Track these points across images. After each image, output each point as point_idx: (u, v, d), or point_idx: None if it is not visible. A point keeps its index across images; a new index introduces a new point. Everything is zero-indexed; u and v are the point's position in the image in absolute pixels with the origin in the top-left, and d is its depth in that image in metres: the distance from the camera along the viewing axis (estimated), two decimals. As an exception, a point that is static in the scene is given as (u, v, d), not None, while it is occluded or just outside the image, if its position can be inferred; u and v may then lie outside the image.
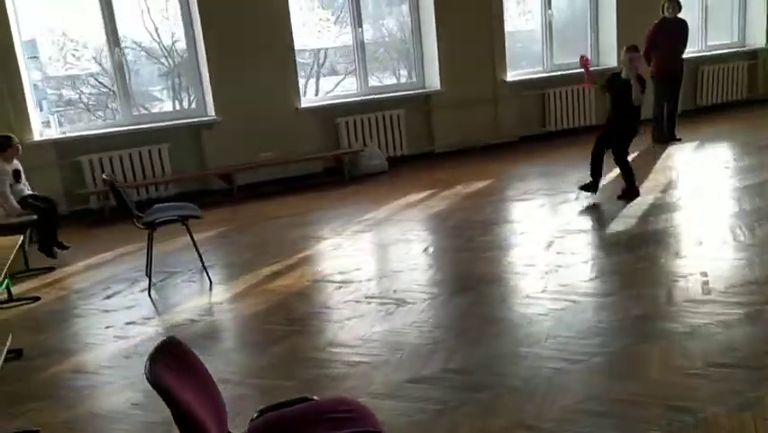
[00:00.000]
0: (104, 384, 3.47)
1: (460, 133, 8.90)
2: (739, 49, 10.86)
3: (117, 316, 4.37)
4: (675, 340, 3.38)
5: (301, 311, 4.21)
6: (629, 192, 6.09)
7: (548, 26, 9.59)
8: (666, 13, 8.21)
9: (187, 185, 7.63)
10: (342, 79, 9.18)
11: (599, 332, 3.56)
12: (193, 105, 8.00)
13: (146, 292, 4.72)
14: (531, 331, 3.64)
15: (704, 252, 4.63)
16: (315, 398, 2.16)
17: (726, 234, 4.93)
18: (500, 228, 5.67)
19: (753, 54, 10.79)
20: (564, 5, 9.97)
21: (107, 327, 4.19)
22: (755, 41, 10.83)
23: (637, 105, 5.85)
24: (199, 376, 1.89)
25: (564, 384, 3.06)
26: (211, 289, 4.74)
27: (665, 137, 8.47)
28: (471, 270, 4.72)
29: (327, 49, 9.09)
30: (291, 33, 7.98)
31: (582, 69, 6.41)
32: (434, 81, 8.87)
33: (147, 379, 1.68)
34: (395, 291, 4.39)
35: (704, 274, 4.19)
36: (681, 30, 8.30)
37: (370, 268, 4.92)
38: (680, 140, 8.44)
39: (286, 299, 4.46)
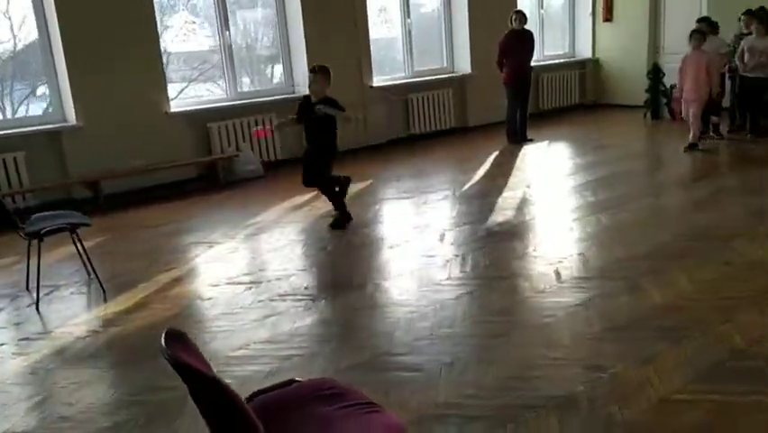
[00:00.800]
0: (18, 402, 3.23)
1: (331, 137, 9.08)
2: (570, 59, 12.09)
3: (8, 333, 4.04)
4: (574, 311, 3.80)
5: (214, 314, 4.15)
6: (341, 219, 5.77)
7: (408, 34, 10.07)
8: (514, 25, 8.97)
9: (48, 195, 7.09)
10: (208, 84, 9.00)
11: (509, 311, 3.91)
12: (50, 110, 7.45)
13: (33, 307, 4.39)
14: (446, 314, 3.91)
15: (575, 236, 5.19)
16: (302, 379, 2.23)
17: (593, 220, 5.55)
18: (392, 224, 5.93)
19: (582, 64, 12.06)
20: (421, 15, 10.51)
21: (1, 345, 3.87)
22: (584, 52, 12.13)
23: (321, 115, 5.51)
24: (203, 361, 1.90)
25: (499, 353, 3.35)
26: (106, 300, 4.50)
27: (519, 138, 9.24)
28: (371, 264, 4.93)
29: (195, 52, 8.86)
30: (157, 36, 7.74)
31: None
32: (304, 86, 8.97)
33: (169, 359, 1.68)
34: (306, 288, 4.47)
35: (582, 255, 4.72)
36: (528, 40, 9.12)
37: (275, 267, 4.93)
38: (531, 140, 9.25)
39: (194, 303, 4.38)
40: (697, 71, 7.67)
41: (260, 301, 4.27)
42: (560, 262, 4.62)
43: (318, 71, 5.67)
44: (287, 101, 8.84)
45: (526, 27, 9.12)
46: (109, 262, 5.30)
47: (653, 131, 9.88)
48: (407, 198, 6.80)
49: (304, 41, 8.78)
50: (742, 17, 8.63)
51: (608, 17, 11.73)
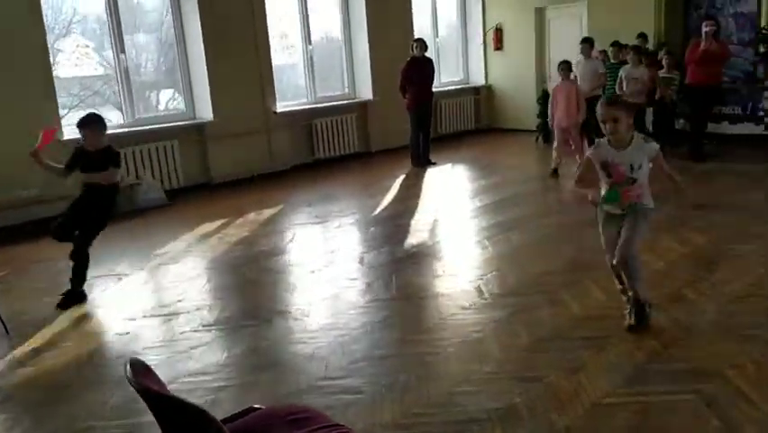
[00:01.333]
0: None
1: (236, 163, 8.93)
2: (465, 86, 12.60)
3: None
4: (500, 326, 3.93)
5: (135, 348, 3.94)
6: (75, 297, 4.75)
7: (309, 60, 10.12)
8: (415, 52, 9.25)
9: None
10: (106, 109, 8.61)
11: (438, 329, 3.98)
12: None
13: (-77, 353, 3.99)
14: (377, 336, 3.93)
15: (490, 254, 5.37)
16: (263, 406, 2.17)
17: (503, 238, 5.76)
18: (309, 249, 5.89)
19: (477, 90, 12.59)
20: (322, 41, 10.60)
21: None
22: (477, 79, 12.68)
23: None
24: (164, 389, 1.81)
25: (435, 370, 3.40)
26: (11, 339, 4.17)
27: (422, 162, 9.48)
28: (294, 290, 4.88)
29: (89, 77, 8.46)
30: (49, 61, 7.36)
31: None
32: (206, 112, 8.79)
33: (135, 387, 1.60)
34: (230, 317, 4.35)
35: (499, 272, 4.90)
36: (428, 67, 9.41)
37: (194, 297, 4.75)
38: (434, 163, 9.52)
39: (111, 338, 4.15)
40: (567, 99, 8.08)
41: (182, 333, 4.11)
42: (479, 279, 4.77)
43: (83, 126, 4.71)
44: (187, 127, 8.64)
45: (426, 54, 9.42)
46: (7, 298, 4.91)
47: (545, 154, 10.42)
48: (320, 222, 6.78)
49: (205, 66, 8.63)
50: (610, 48, 9.35)
51: (499, 46, 12.35)
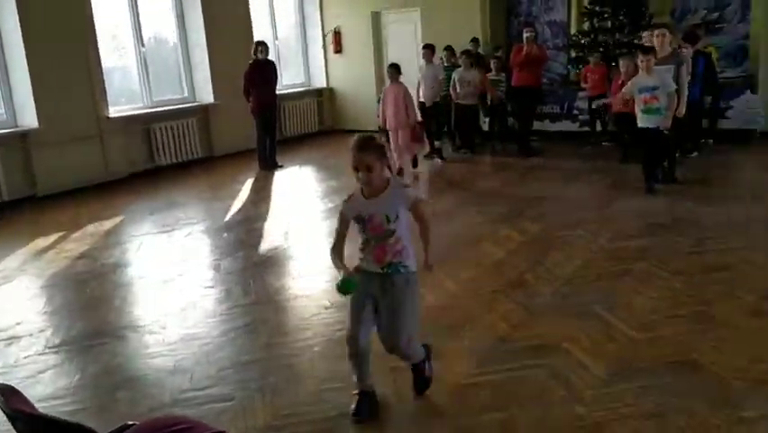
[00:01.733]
0: None
1: (66, 173, 8.31)
2: (308, 88, 12.68)
3: None
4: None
5: (-31, 380, 3.59)
6: None
7: (143, 63, 9.67)
8: (259, 56, 9.16)
9: None
10: None
11: (302, 329, 4.03)
12: None
13: None
14: (241, 342, 3.89)
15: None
16: (137, 423, 2.10)
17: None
18: (159, 259, 5.65)
19: (319, 93, 12.72)
20: (157, 43, 10.16)
21: None
22: (319, 82, 12.82)
23: None
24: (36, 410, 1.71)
25: (302, 370, 3.43)
26: None
27: (270, 165, 9.42)
28: (148, 302, 4.68)
29: None
30: None
31: None
32: (29, 118, 8.10)
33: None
34: (77, 336, 4.08)
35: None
36: (271, 69, 9.37)
37: (35, 318, 4.40)
38: (282, 166, 9.50)
39: (-62, 371, 3.73)
40: (396, 102, 8.33)
41: (27, 357, 3.80)
42: (337, 277, 4.86)
43: None
44: (8, 136, 7.93)
45: (269, 57, 9.37)
46: None
47: (389, 154, 10.79)
48: (168, 230, 6.53)
49: (26, 68, 7.95)
50: (444, 52, 9.88)
51: (338, 49, 12.57)
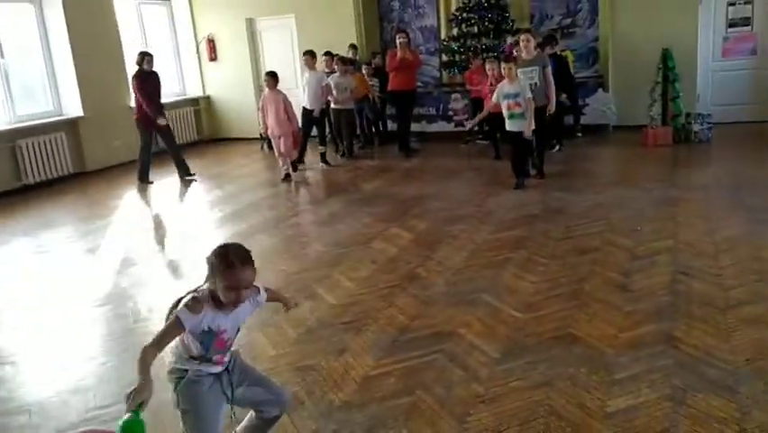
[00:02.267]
0: None
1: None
2: (183, 97, 12.42)
3: None
4: (268, 323, 4.15)
5: None
6: None
7: (5, 75, 9.11)
8: (145, 66, 8.89)
9: None
10: None
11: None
12: None
13: None
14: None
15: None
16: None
17: (254, 242, 5.95)
18: (32, 281, 5.42)
19: (195, 101, 12.49)
20: (18, 55, 9.57)
21: None
22: (195, 90, 12.59)
23: None
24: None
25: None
26: None
27: (146, 178, 9.16)
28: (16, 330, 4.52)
29: None
30: None
31: None
32: None
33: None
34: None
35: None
36: (158, 80, 9.17)
37: None
38: (194, 175, 9.27)
39: None
40: (276, 109, 8.42)
41: None
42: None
43: None
44: None
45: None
46: None
47: (273, 161, 10.80)
48: (44, 252, 6.24)
49: None
50: (324, 57, 10.08)
51: (213, 57, 12.41)
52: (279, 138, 8.54)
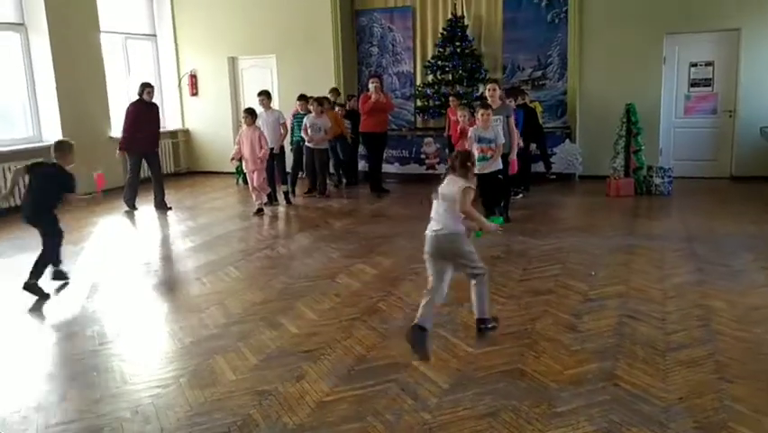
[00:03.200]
0: None
1: None
2: (163, 130, 12.57)
3: None
4: (228, 350, 4.28)
5: None
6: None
7: (-15, 101, 9.25)
8: (146, 97, 9.22)
9: None
10: None
11: (172, 359, 4.18)
12: None
13: None
14: (105, 378, 3.98)
15: (210, 288, 5.68)
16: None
17: (222, 274, 6.10)
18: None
19: (174, 134, 12.69)
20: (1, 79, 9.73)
21: None
22: (174, 123, 12.79)
23: None
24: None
25: (172, 400, 3.60)
26: None
27: (157, 206, 9.42)
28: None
29: None
30: None
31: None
32: None
33: None
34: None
35: (222, 304, 5.23)
36: (157, 112, 9.57)
37: None
38: (170, 208, 9.44)
39: None
40: (252, 145, 8.69)
41: None
42: (204, 311, 5.06)
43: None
44: None
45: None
46: None
47: (247, 195, 10.97)
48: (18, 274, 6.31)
49: None
50: (297, 102, 10.22)
51: (194, 92, 12.67)
52: (253, 172, 8.75)
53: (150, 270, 6.42)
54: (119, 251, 7.20)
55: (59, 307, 5.36)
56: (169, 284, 5.95)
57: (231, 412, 3.49)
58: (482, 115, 7.25)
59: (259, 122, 9.06)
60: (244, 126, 8.85)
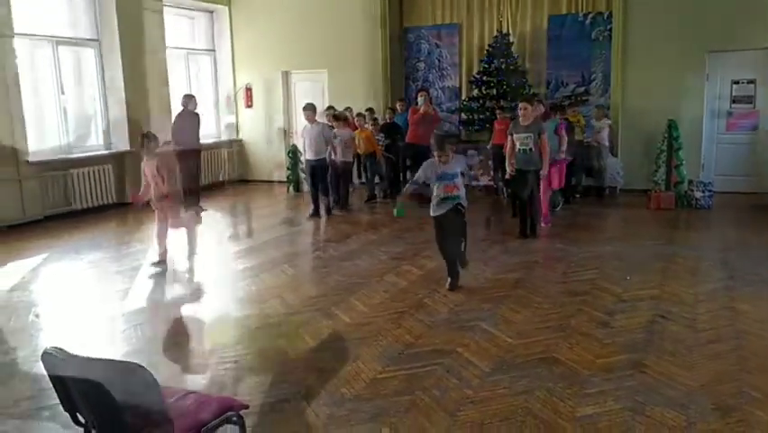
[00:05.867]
0: None
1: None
2: (219, 139, 13.31)
3: None
4: (292, 335, 4.76)
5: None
6: None
7: (63, 111, 10.04)
8: (190, 107, 10.02)
9: None
10: None
11: (245, 341, 4.69)
12: None
13: None
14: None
15: (269, 283, 6.19)
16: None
17: (279, 271, 6.61)
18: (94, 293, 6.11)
19: (230, 144, 13.38)
20: (77, 90, 10.52)
21: None
22: (230, 134, 13.48)
23: None
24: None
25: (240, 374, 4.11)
26: None
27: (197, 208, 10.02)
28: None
29: None
30: None
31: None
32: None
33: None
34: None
35: (281, 297, 5.74)
36: (198, 120, 10.28)
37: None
38: (205, 210, 10.13)
39: None
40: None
41: None
42: (265, 302, 5.57)
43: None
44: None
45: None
46: None
47: (299, 201, 11.52)
48: (95, 267, 6.94)
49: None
50: (325, 113, 10.65)
51: (249, 104, 13.36)
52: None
53: (216, 268, 6.96)
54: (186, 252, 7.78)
55: (127, 296, 5.93)
56: (237, 279, 6.48)
57: (294, 384, 3.96)
58: (448, 152, 6.03)
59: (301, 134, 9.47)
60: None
